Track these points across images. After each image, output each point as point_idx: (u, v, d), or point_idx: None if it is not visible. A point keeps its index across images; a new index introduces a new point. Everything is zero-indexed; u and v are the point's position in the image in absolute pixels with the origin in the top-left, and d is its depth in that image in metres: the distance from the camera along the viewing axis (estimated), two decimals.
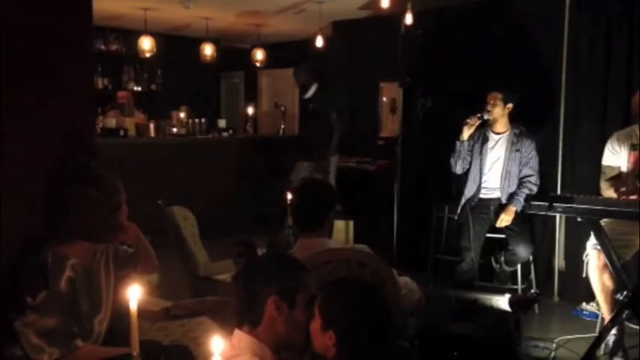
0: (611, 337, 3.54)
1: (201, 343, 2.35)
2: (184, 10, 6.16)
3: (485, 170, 4.43)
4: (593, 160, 4.04)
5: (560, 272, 4.83)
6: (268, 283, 1.71)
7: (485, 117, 4.35)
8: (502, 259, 4.42)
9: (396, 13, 5.17)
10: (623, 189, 3.58)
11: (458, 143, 4.45)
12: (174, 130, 7.74)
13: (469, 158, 4.48)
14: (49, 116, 2.26)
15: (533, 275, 4.58)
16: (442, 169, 4.68)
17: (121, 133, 6.96)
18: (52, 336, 1.98)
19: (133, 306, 1.59)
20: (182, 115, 8.02)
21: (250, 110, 8.92)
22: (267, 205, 6.21)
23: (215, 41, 7.80)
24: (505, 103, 4.37)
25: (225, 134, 7.90)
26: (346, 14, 6.39)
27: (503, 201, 4.37)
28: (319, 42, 6.51)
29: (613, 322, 3.35)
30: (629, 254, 3.71)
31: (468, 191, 4.48)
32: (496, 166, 4.42)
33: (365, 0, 5.72)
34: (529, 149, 4.35)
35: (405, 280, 2.68)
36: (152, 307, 2.76)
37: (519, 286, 4.44)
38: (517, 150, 4.35)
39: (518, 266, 4.42)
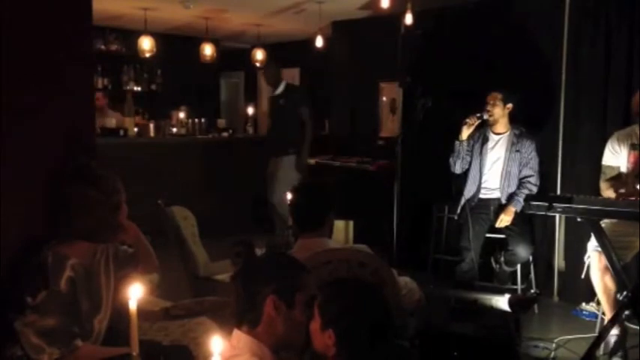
0: (611, 337, 3.54)
1: (201, 343, 2.35)
2: (184, 10, 6.16)
3: (485, 170, 4.44)
4: (593, 160, 4.04)
5: (559, 272, 4.83)
6: (267, 282, 1.71)
7: (485, 117, 4.36)
8: (502, 259, 4.43)
9: (396, 13, 5.17)
10: (623, 190, 3.58)
11: (457, 143, 4.45)
12: (174, 130, 7.74)
13: (469, 158, 4.48)
14: (49, 116, 2.26)
15: (532, 275, 4.58)
16: (442, 169, 4.68)
17: (121, 133, 6.96)
18: (52, 336, 1.98)
19: (133, 306, 1.59)
20: (182, 115, 8.02)
21: (250, 110, 8.91)
22: (267, 206, 6.20)
23: (215, 41, 7.80)
24: (505, 104, 4.37)
25: (225, 134, 7.89)
26: (346, 14, 6.39)
27: (503, 201, 4.37)
28: (319, 42, 6.50)
29: (613, 322, 3.35)
30: (629, 256, 3.71)
31: (468, 191, 4.48)
32: (496, 166, 4.43)
33: (365, 0, 5.72)
34: (529, 150, 4.35)
35: (405, 280, 2.68)
36: (152, 307, 2.76)
37: (519, 286, 4.44)
38: (517, 150, 4.35)
39: (518, 266, 4.42)
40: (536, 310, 4.45)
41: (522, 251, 4.29)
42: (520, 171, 4.36)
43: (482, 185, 4.44)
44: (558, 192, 4.63)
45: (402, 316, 2.58)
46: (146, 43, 6.91)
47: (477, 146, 4.46)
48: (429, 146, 5.23)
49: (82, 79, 2.45)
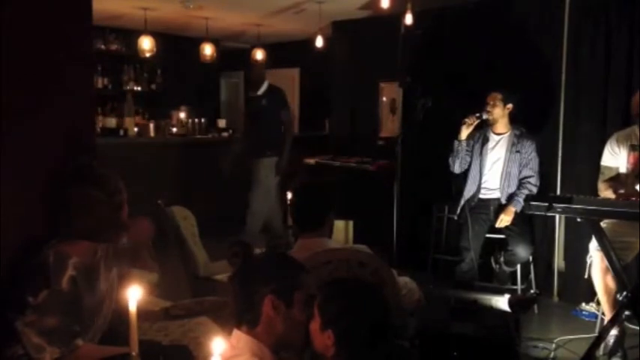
0: (611, 338, 3.54)
1: (201, 343, 2.35)
2: (184, 10, 6.16)
3: (485, 171, 4.44)
4: (593, 161, 4.04)
5: (559, 272, 4.83)
6: (265, 282, 1.71)
7: (484, 117, 4.36)
8: (502, 259, 4.43)
9: (396, 13, 5.18)
10: (622, 190, 3.59)
11: (456, 143, 4.45)
12: (174, 130, 7.75)
13: (468, 158, 4.48)
14: (49, 116, 2.26)
15: (532, 275, 4.58)
16: (442, 169, 4.68)
17: (121, 133, 6.97)
18: (53, 335, 1.98)
19: (133, 306, 1.59)
20: (182, 115, 8.04)
21: None
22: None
23: (215, 41, 7.80)
24: (505, 104, 4.37)
25: (225, 134, 7.90)
26: (346, 14, 6.39)
27: (503, 201, 4.37)
28: (319, 42, 6.51)
29: (613, 322, 3.35)
30: (629, 257, 3.71)
31: (468, 191, 4.49)
32: (496, 166, 4.43)
33: (365, 0, 5.72)
34: (529, 150, 4.35)
35: (405, 280, 2.68)
36: (152, 307, 2.76)
37: (519, 287, 4.44)
38: (517, 151, 4.35)
39: (518, 266, 4.42)
40: (536, 311, 4.45)
41: (522, 251, 4.29)
42: (520, 171, 4.36)
43: (482, 185, 4.44)
44: (558, 192, 4.63)
45: (402, 316, 2.58)
46: (146, 43, 6.92)
47: (477, 146, 4.46)
48: (429, 146, 5.23)
49: (82, 79, 2.45)
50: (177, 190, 5.83)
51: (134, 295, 1.59)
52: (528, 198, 3.67)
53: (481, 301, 3.24)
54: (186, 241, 3.91)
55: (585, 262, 3.79)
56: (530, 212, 3.62)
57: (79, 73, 2.42)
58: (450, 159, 4.52)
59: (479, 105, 4.41)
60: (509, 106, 4.38)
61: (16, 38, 2.15)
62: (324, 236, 2.58)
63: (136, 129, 7.47)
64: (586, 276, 3.78)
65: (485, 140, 4.45)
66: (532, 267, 4.55)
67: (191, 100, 8.31)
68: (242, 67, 9.41)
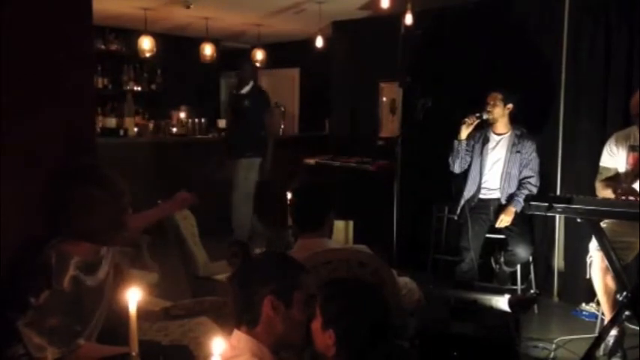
0: (610, 338, 3.54)
1: (201, 343, 2.35)
2: (184, 10, 6.16)
3: (486, 171, 4.44)
4: (593, 160, 4.04)
5: (559, 273, 4.83)
6: (264, 283, 1.71)
7: (484, 117, 4.36)
8: (502, 259, 4.43)
9: (396, 13, 5.17)
10: (619, 190, 3.59)
11: (456, 142, 4.45)
12: (174, 130, 7.74)
13: (468, 158, 4.48)
14: (49, 116, 2.26)
15: (532, 276, 4.58)
16: (442, 170, 4.68)
17: (121, 133, 6.97)
18: (54, 335, 1.98)
19: (132, 306, 1.59)
20: (182, 115, 8.02)
21: None
22: (266, 205, 6.20)
23: (215, 41, 7.80)
24: (505, 104, 4.37)
25: (225, 134, 7.89)
26: (346, 14, 6.39)
27: (503, 201, 4.37)
28: (319, 42, 6.51)
29: (613, 322, 3.35)
30: (630, 257, 3.71)
31: (468, 191, 4.49)
32: (496, 166, 4.43)
33: (365, 0, 5.72)
34: (530, 151, 4.35)
35: (404, 280, 2.68)
36: (152, 307, 2.75)
37: (519, 287, 4.45)
38: (518, 151, 4.35)
39: (518, 267, 4.42)
40: (536, 311, 4.45)
41: (522, 251, 4.29)
42: (520, 172, 4.36)
43: (483, 185, 4.44)
44: (558, 192, 4.63)
45: (402, 316, 2.58)
46: (146, 43, 6.91)
47: (478, 146, 4.46)
48: (429, 146, 5.23)
49: (82, 79, 2.45)
50: (177, 190, 5.82)
51: (134, 295, 1.59)
52: (528, 198, 3.67)
53: (481, 301, 3.24)
54: (186, 241, 3.91)
55: (585, 263, 3.79)
56: (530, 212, 3.62)
57: (79, 73, 2.42)
58: (450, 159, 4.52)
59: (479, 105, 4.41)
60: (510, 106, 4.38)
61: (16, 38, 2.15)
62: (324, 236, 2.58)
63: (136, 129, 7.47)
64: (586, 276, 3.78)
65: (486, 140, 4.45)
66: (532, 267, 4.55)
67: (191, 100, 8.30)
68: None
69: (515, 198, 4.31)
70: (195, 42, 7.63)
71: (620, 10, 4.46)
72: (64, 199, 2.08)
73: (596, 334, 3.67)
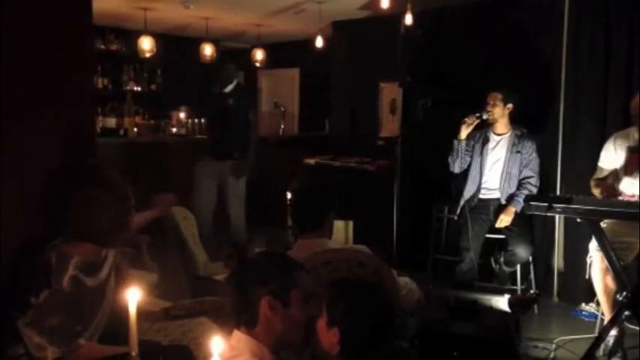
0: (610, 338, 3.54)
1: (201, 344, 2.35)
2: (184, 10, 6.15)
3: (486, 171, 4.44)
4: (593, 161, 4.04)
5: (559, 273, 4.83)
6: (260, 283, 1.71)
7: (484, 117, 4.36)
8: (502, 259, 4.43)
9: (396, 13, 5.17)
10: (601, 188, 3.62)
11: (455, 142, 4.46)
12: (174, 130, 7.74)
13: (468, 158, 4.48)
14: (49, 116, 2.26)
15: (532, 276, 4.58)
16: (442, 170, 4.68)
17: (121, 133, 6.97)
18: (54, 335, 1.98)
19: (132, 306, 1.59)
20: (182, 115, 8.02)
21: None
22: (266, 205, 6.20)
23: (215, 41, 7.79)
24: (505, 103, 4.37)
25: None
26: (346, 14, 6.38)
27: (503, 202, 4.37)
28: (319, 42, 6.50)
29: (612, 322, 3.35)
30: (630, 257, 3.71)
31: (468, 191, 4.49)
32: (496, 166, 4.43)
33: (365, 0, 5.72)
34: (530, 151, 4.35)
35: (404, 281, 2.68)
36: (152, 308, 2.76)
37: (519, 287, 4.45)
38: (518, 151, 4.35)
39: (518, 267, 4.42)
40: (536, 311, 4.45)
41: (522, 251, 4.29)
42: (520, 172, 4.36)
43: (483, 186, 4.44)
44: (558, 192, 4.63)
45: (402, 316, 2.58)
46: (146, 43, 6.91)
47: (478, 146, 4.46)
48: (429, 146, 5.23)
49: (82, 79, 2.46)
50: (177, 190, 5.82)
51: (134, 295, 1.59)
52: (528, 198, 3.67)
53: (481, 301, 3.24)
54: (186, 241, 3.91)
55: (585, 263, 3.79)
56: (530, 212, 3.63)
57: (79, 73, 2.42)
58: (450, 158, 4.52)
59: (479, 105, 4.41)
60: (510, 106, 4.38)
61: (17, 38, 2.16)
62: (323, 236, 2.58)
63: (135, 129, 7.47)
64: (586, 276, 3.78)
65: (486, 140, 4.45)
66: (532, 267, 4.55)
67: (191, 100, 8.30)
68: (242, 67, 9.43)
69: (515, 198, 4.31)
70: (195, 42, 7.63)
71: (619, 10, 4.46)
72: (68, 200, 2.08)
73: (596, 334, 3.67)
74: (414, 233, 5.43)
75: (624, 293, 3.34)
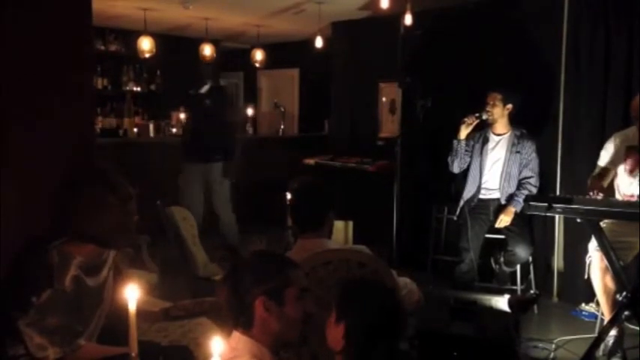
0: (610, 338, 3.54)
1: (201, 344, 2.35)
2: (184, 10, 6.16)
3: (485, 171, 4.44)
4: (593, 161, 4.04)
5: (559, 273, 4.83)
6: (254, 284, 1.71)
7: (484, 117, 4.36)
8: (501, 259, 4.43)
9: (396, 14, 5.17)
10: (591, 186, 3.62)
11: (455, 142, 4.46)
12: (174, 130, 7.74)
13: (467, 158, 4.48)
14: (48, 117, 2.26)
15: (532, 276, 4.58)
16: (442, 170, 4.69)
17: (121, 133, 6.97)
18: (55, 335, 1.98)
19: (132, 306, 1.59)
20: (182, 115, 8.02)
21: (250, 111, 8.92)
22: (265, 206, 6.19)
23: (215, 41, 7.80)
24: (505, 104, 4.37)
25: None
26: (346, 15, 6.39)
27: (503, 202, 4.37)
28: (319, 42, 6.51)
29: (612, 322, 3.35)
30: (629, 257, 3.71)
31: (468, 192, 4.49)
32: (496, 167, 4.43)
33: (365, 0, 5.72)
34: (529, 151, 4.35)
35: (404, 281, 2.68)
36: (151, 308, 2.75)
37: (519, 287, 4.45)
38: (517, 152, 4.35)
39: (518, 267, 4.42)
40: (536, 311, 4.45)
41: (522, 252, 4.29)
42: (520, 172, 4.36)
43: (482, 186, 4.44)
44: (557, 192, 4.63)
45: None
46: (146, 44, 6.91)
47: (478, 146, 4.46)
48: (428, 147, 5.23)
49: (82, 79, 2.45)
50: (178, 191, 5.82)
51: (133, 295, 1.59)
52: (528, 198, 3.67)
53: (481, 301, 3.24)
54: (185, 242, 3.91)
55: (585, 263, 3.79)
56: (530, 212, 3.63)
57: (78, 73, 2.42)
58: (449, 158, 4.52)
59: (479, 105, 4.41)
60: (509, 106, 4.38)
61: (16, 39, 2.16)
62: (323, 237, 2.58)
63: (135, 129, 7.47)
64: (585, 276, 3.78)
65: (486, 140, 4.45)
66: (532, 267, 4.55)
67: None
68: (242, 67, 9.43)
69: (515, 198, 4.31)
70: (195, 42, 7.63)
71: (619, 12, 4.46)
72: (74, 201, 2.08)
73: (595, 335, 3.67)
74: (413, 233, 5.43)
75: (624, 293, 3.34)
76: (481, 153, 4.44)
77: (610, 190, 3.77)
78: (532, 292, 4.47)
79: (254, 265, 1.80)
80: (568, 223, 4.68)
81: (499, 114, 4.38)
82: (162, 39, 7.42)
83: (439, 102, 4.70)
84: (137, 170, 5.67)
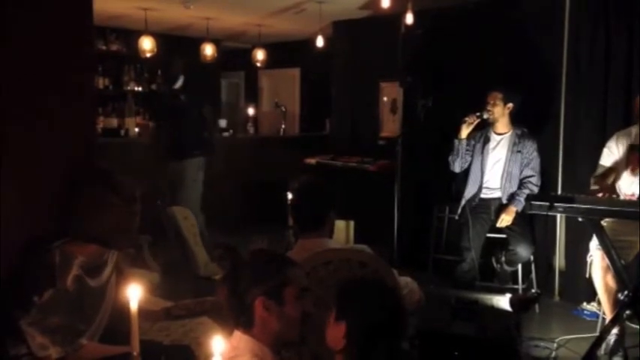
0: (611, 337, 3.54)
1: (202, 343, 2.35)
2: (185, 10, 6.16)
3: (487, 170, 4.44)
4: (594, 160, 4.04)
5: (560, 272, 4.83)
6: (253, 284, 1.71)
7: (485, 116, 4.36)
8: (503, 259, 4.43)
9: (397, 13, 5.17)
10: (597, 186, 3.61)
11: (456, 141, 4.46)
12: (137, 129, 7.72)
13: (468, 157, 4.48)
14: (49, 117, 2.26)
15: (533, 275, 4.58)
16: (443, 169, 4.68)
17: (122, 133, 6.97)
18: (57, 334, 1.98)
19: (134, 306, 1.59)
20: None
21: (251, 110, 8.92)
22: (267, 206, 6.20)
23: (215, 41, 7.80)
24: (505, 103, 4.37)
25: (225, 134, 7.90)
26: (346, 14, 6.39)
27: (504, 201, 4.37)
28: (319, 42, 6.51)
29: (614, 321, 3.35)
30: (630, 256, 3.71)
31: (469, 191, 4.49)
32: (497, 166, 4.43)
33: (365, 0, 5.72)
34: (530, 150, 4.35)
35: (405, 280, 2.68)
36: (153, 307, 2.75)
37: (520, 286, 4.45)
38: (519, 151, 4.35)
39: (519, 266, 4.42)
40: (537, 310, 4.45)
41: (523, 251, 4.29)
42: (521, 171, 4.36)
43: (484, 185, 4.44)
44: (559, 191, 4.63)
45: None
46: (147, 43, 6.91)
47: (479, 146, 4.46)
48: (429, 146, 5.23)
49: (83, 79, 2.46)
50: (175, 191, 5.82)
51: (135, 294, 1.59)
52: (529, 197, 3.67)
53: (482, 300, 3.24)
54: (186, 241, 3.92)
55: (586, 262, 3.79)
56: (531, 212, 3.62)
57: (80, 73, 2.42)
58: (450, 158, 4.52)
59: (479, 105, 4.41)
60: (510, 105, 4.38)
61: (17, 39, 2.16)
62: (324, 236, 2.57)
63: (136, 129, 7.47)
64: (587, 275, 3.78)
65: (487, 140, 4.45)
66: (533, 266, 4.55)
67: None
68: (242, 67, 9.43)
69: (516, 197, 4.31)
70: (196, 42, 7.63)
71: (619, 11, 4.46)
72: (74, 201, 2.08)
73: (597, 334, 3.67)
74: (415, 233, 5.43)
75: (625, 292, 3.34)
76: (482, 152, 4.44)
77: (613, 189, 3.77)
78: (533, 291, 4.47)
79: (253, 264, 1.79)
80: (569, 223, 4.68)
81: (500, 113, 4.38)
82: (164, 39, 7.42)
83: (440, 101, 4.70)
84: (137, 170, 5.69)
